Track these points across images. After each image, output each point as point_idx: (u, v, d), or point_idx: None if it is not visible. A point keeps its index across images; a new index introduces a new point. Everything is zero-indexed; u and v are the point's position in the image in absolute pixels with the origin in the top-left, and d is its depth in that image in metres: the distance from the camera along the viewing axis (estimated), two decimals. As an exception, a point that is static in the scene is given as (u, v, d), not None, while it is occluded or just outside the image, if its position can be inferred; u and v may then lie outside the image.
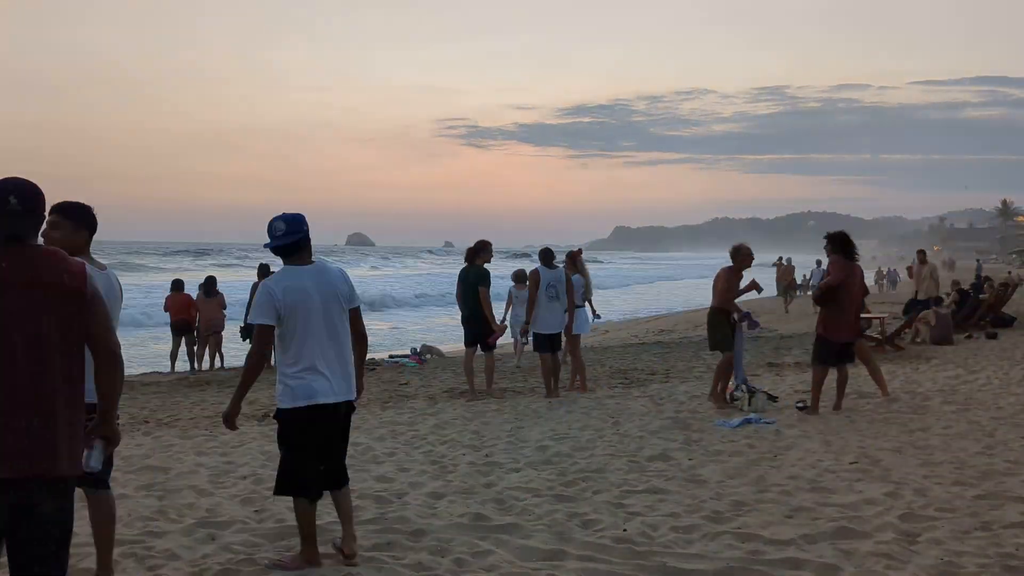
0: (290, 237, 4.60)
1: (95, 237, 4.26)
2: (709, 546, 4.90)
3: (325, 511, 4.99)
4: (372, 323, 25.93)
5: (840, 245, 9.22)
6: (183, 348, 15.95)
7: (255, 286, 15.64)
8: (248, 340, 14.94)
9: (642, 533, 5.14)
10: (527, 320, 10.87)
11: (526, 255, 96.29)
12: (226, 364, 16.13)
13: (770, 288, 40.42)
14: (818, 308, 9.56)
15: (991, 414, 8.99)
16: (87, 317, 3.05)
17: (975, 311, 19.07)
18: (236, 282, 28.38)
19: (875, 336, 15.27)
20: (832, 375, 9.29)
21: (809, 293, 28.55)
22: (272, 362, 5.73)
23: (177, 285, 15.64)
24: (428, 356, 16.70)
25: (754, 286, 9.74)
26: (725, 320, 9.63)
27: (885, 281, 44.59)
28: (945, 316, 16.80)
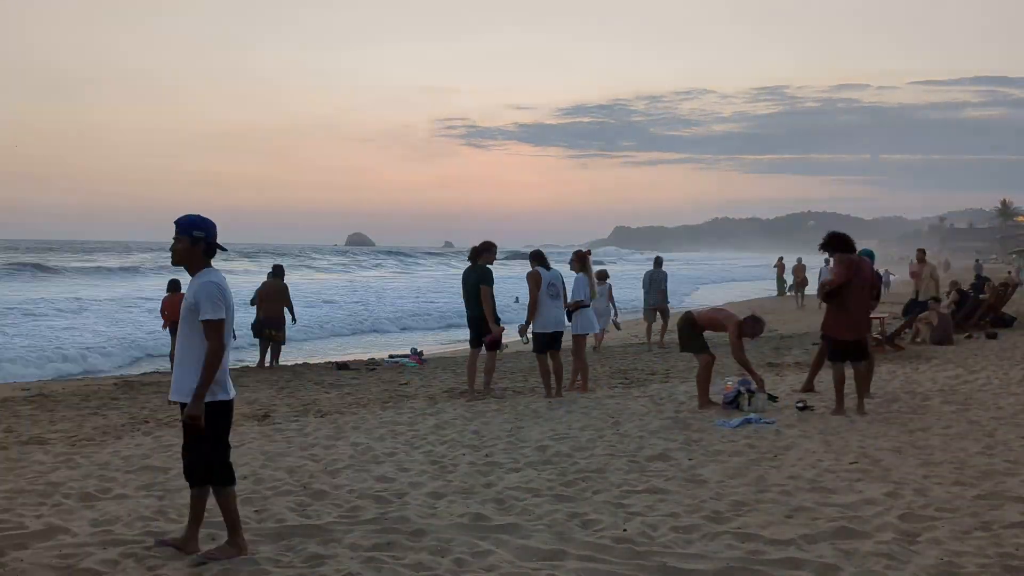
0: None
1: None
2: (709, 546, 4.90)
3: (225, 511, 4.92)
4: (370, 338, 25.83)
5: (840, 245, 9.17)
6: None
7: (261, 285, 15.74)
8: (259, 336, 15.37)
9: (642, 533, 5.14)
10: (528, 320, 10.86)
11: (526, 255, 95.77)
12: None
13: (770, 288, 40.48)
14: (824, 306, 9.53)
15: (991, 414, 8.99)
16: None
17: (975, 311, 19.08)
18: (235, 282, 28.15)
19: (875, 336, 15.26)
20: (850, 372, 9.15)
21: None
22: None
23: (173, 286, 15.63)
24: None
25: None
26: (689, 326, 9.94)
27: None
28: (945, 316, 16.81)
